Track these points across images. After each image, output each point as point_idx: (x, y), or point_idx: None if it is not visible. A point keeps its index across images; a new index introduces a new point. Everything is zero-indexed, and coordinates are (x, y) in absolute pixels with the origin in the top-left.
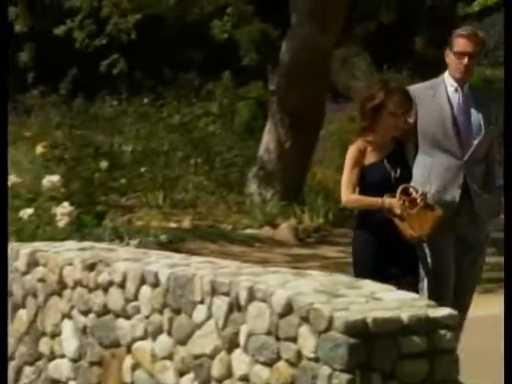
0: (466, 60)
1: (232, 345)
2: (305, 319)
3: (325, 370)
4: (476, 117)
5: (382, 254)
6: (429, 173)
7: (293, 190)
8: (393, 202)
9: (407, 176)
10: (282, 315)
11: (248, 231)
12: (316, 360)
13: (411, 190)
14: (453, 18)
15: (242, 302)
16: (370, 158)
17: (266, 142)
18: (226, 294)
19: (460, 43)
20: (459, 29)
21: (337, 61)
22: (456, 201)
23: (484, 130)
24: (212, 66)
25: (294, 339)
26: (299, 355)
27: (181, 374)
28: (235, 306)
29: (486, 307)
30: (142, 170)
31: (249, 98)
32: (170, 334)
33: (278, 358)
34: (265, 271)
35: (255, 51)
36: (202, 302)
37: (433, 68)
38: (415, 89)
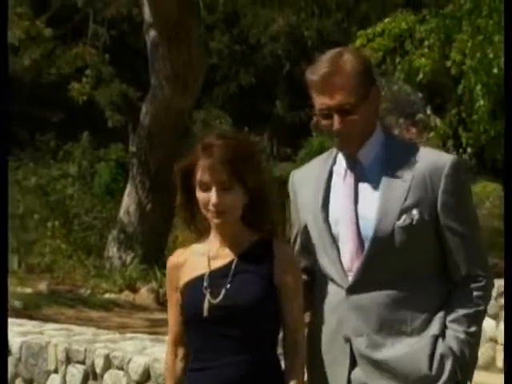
0: (336, 120)
1: None
2: None
3: None
4: (381, 205)
5: None
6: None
7: (154, 253)
8: None
9: (248, 302)
10: (139, 383)
11: (107, 296)
12: None
13: None
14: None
15: (98, 370)
16: (191, 272)
17: (126, 205)
18: (82, 363)
19: (317, 97)
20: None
21: (198, 123)
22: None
23: (385, 226)
24: (70, 126)
25: None
26: None
27: None
28: (91, 375)
29: None
30: None
31: (109, 159)
32: None
33: None
34: (122, 337)
35: (116, 112)
36: (56, 371)
37: (292, 130)
38: (297, 173)
